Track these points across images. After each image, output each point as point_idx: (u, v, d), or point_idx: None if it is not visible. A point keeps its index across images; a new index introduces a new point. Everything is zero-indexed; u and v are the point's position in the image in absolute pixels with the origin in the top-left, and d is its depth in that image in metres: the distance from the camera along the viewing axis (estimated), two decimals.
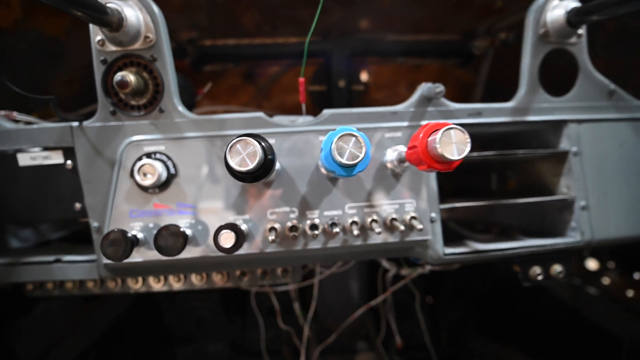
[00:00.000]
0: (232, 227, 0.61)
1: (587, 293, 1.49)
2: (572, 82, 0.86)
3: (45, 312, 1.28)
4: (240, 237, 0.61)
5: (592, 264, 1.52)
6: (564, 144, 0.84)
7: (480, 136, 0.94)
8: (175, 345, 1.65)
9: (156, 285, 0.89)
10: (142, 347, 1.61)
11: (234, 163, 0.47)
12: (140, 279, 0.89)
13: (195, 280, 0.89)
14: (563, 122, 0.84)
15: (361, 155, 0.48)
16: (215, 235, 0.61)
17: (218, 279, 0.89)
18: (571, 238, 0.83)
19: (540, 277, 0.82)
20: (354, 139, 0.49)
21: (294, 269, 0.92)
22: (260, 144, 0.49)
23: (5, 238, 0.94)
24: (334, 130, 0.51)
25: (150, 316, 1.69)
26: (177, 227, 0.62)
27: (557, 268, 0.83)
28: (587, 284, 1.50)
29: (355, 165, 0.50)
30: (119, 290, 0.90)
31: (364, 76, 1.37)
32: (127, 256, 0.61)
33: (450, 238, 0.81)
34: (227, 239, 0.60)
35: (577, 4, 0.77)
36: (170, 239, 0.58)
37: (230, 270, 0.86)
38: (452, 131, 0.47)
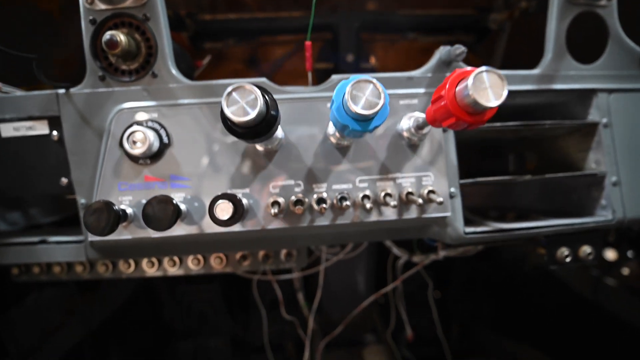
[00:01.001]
0: (230, 197, 0.54)
1: (605, 284, 1.42)
2: (601, 49, 0.79)
3: (38, 303, 1.22)
4: (239, 208, 0.55)
5: (610, 254, 1.44)
6: (593, 115, 0.77)
7: (500, 110, 0.87)
8: (175, 339, 1.59)
9: (150, 270, 0.83)
10: (140, 342, 1.55)
11: (230, 112, 0.41)
12: (132, 263, 0.83)
13: (192, 264, 0.83)
14: (592, 92, 0.77)
15: (380, 103, 0.41)
16: (211, 206, 0.54)
17: (216, 264, 0.83)
18: (602, 217, 0.76)
19: (568, 259, 0.75)
20: (371, 85, 0.42)
21: (298, 252, 0.85)
22: (262, 93, 0.42)
23: None
24: (339, 85, 0.44)
25: (149, 309, 1.63)
26: (168, 196, 0.55)
27: (586, 249, 0.76)
28: (605, 275, 1.42)
29: (372, 116, 0.43)
30: (110, 275, 0.83)
31: (372, 61, 1.30)
32: (112, 230, 0.54)
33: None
34: (224, 210, 0.54)
35: None
36: (159, 207, 0.52)
37: (228, 251, 0.80)
38: (485, 74, 0.40)
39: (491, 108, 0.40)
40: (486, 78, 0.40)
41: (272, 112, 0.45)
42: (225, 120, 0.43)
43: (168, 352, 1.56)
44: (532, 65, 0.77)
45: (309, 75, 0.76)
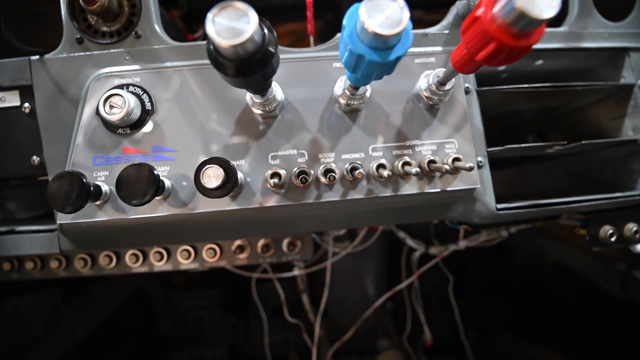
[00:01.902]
0: (220, 161, 0.46)
1: (635, 278, 1.30)
2: (630, 6, 0.72)
3: (17, 312, 1.12)
4: (231, 176, 0.46)
5: (638, 246, 1.34)
6: (627, 78, 0.69)
7: (521, 76, 0.79)
8: (169, 349, 1.46)
9: (134, 265, 0.73)
10: (132, 352, 1.42)
11: (217, 34, 0.32)
12: (114, 257, 0.73)
13: (181, 257, 0.73)
14: (624, 51, 0.69)
15: (403, 20, 0.33)
16: (197, 173, 0.45)
17: (209, 256, 0.73)
18: None
19: (613, 239, 0.65)
20: (393, 3, 0.34)
21: (303, 242, 0.76)
22: (258, 16, 0.34)
23: None
24: (351, 9, 0.36)
25: (142, 317, 1.51)
26: (146, 164, 0.46)
27: (632, 227, 0.66)
28: (633, 268, 1.31)
29: (394, 42, 0.35)
30: (89, 271, 0.73)
31: None
32: (80, 205, 0.45)
33: None
34: (213, 176, 0.45)
35: None
36: (133, 170, 0.43)
37: (222, 239, 0.70)
38: None
39: (544, 20, 0.32)
40: None
41: (270, 48, 0.37)
42: (211, 50, 0.35)
43: None
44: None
45: (311, 39, 0.69)
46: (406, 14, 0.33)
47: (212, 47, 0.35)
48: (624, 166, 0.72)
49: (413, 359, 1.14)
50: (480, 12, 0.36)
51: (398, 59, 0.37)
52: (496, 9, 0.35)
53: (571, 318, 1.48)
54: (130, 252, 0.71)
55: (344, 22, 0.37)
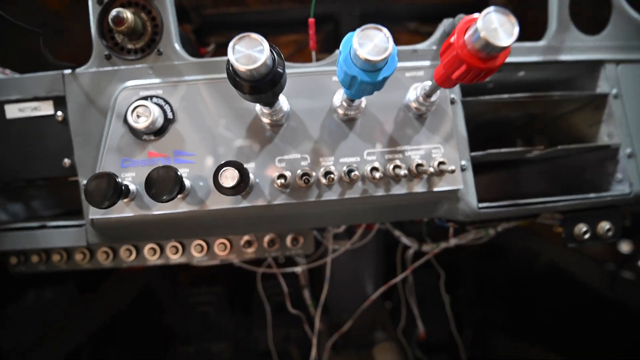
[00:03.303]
0: (236, 164, 0.53)
1: (623, 278, 1.36)
2: (605, 21, 0.78)
3: (37, 302, 1.19)
4: (245, 176, 0.53)
5: (625, 246, 1.39)
6: (602, 87, 0.76)
7: (506, 86, 0.86)
8: (176, 344, 1.53)
9: (151, 257, 0.80)
10: (140, 346, 1.49)
11: (236, 60, 0.40)
12: (133, 251, 0.80)
13: (195, 251, 0.80)
14: (600, 63, 0.76)
15: (389, 48, 0.40)
16: (215, 174, 0.52)
17: (220, 250, 0.80)
18: (618, 191, 0.73)
19: (586, 236, 0.72)
20: (378, 32, 0.41)
21: (305, 237, 0.83)
22: (269, 45, 0.41)
23: None
24: (346, 37, 0.43)
25: (150, 312, 1.58)
26: (171, 166, 0.53)
27: (604, 225, 0.73)
28: (622, 269, 1.36)
29: (381, 65, 0.42)
30: (110, 263, 0.81)
31: None
32: (113, 202, 0.52)
33: None
34: (229, 177, 0.52)
35: None
36: (163, 171, 0.50)
37: (233, 233, 0.77)
38: (492, 14, 0.39)
39: (503, 48, 0.39)
40: (495, 18, 0.39)
41: (279, 69, 0.45)
42: (231, 73, 0.42)
43: (169, 356, 1.50)
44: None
45: (313, 54, 0.76)
46: (391, 42, 0.41)
47: (231, 69, 0.43)
48: (600, 169, 0.79)
49: (407, 351, 1.20)
50: (453, 39, 0.43)
51: (385, 79, 0.44)
52: (466, 37, 0.42)
53: (563, 317, 1.53)
54: (148, 246, 0.79)
55: (340, 48, 0.44)
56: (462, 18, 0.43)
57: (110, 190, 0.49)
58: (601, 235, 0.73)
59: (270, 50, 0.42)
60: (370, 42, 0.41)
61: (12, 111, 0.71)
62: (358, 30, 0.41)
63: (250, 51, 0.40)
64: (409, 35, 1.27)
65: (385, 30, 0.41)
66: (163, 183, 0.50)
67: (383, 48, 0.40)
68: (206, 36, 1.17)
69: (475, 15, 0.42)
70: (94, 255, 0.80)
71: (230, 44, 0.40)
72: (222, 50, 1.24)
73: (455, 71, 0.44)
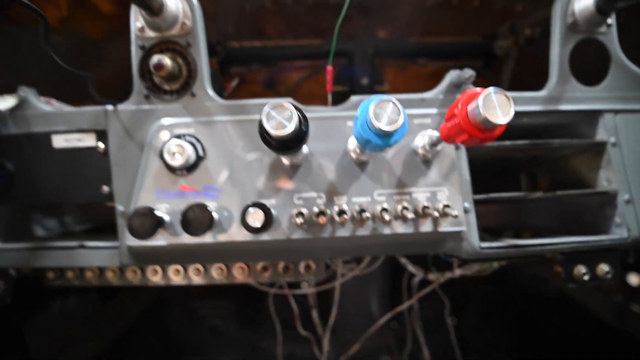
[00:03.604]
0: (261, 205, 0.59)
1: (631, 311, 1.36)
2: (605, 73, 0.84)
3: (62, 311, 1.26)
4: (269, 216, 0.60)
5: (634, 279, 1.40)
6: (600, 135, 0.81)
7: (509, 131, 0.92)
8: (185, 355, 1.58)
9: (175, 277, 0.87)
10: (150, 356, 1.55)
11: (270, 127, 0.47)
12: (159, 271, 0.87)
13: (215, 274, 0.87)
14: (598, 113, 0.81)
15: (400, 120, 0.47)
16: (243, 214, 0.59)
17: (238, 274, 0.87)
18: (617, 235, 0.77)
19: (586, 277, 0.75)
20: (391, 105, 0.48)
21: (317, 265, 0.88)
22: (297, 109, 0.48)
23: (31, 225, 0.95)
24: (362, 104, 0.50)
25: (161, 324, 1.64)
26: (205, 205, 0.60)
27: (604, 268, 0.76)
28: (630, 301, 1.37)
29: (393, 132, 0.48)
30: (138, 282, 0.88)
31: (385, 84, 1.38)
32: (152, 234, 0.60)
33: None
34: (256, 218, 0.58)
35: None
36: (199, 212, 0.57)
37: (252, 260, 0.84)
38: (493, 95, 0.45)
39: (500, 125, 0.45)
40: (495, 98, 0.45)
41: (304, 128, 0.51)
42: (263, 133, 0.49)
43: None
44: (538, 88, 0.82)
45: (329, 96, 0.83)
46: (402, 115, 0.47)
47: (263, 131, 0.49)
48: (600, 212, 0.82)
49: None
50: (456, 110, 0.49)
51: (396, 141, 0.50)
52: (469, 109, 0.48)
53: (570, 346, 1.53)
54: (173, 267, 0.86)
55: (357, 114, 0.51)
56: (465, 92, 0.49)
57: (152, 227, 0.56)
58: (600, 276, 0.77)
59: (298, 114, 0.49)
60: (384, 112, 0.47)
61: (59, 141, 0.80)
62: (373, 101, 0.48)
63: (281, 117, 0.47)
64: (418, 67, 1.34)
65: (396, 102, 0.48)
66: (199, 223, 0.57)
67: (395, 120, 0.47)
68: (229, 66, 1.26)
69: (478, 89, 0.48)
70: (123, 273, 0.87)
71: (266, 108, 0.47)
72: (239, 85, 1.33)
73: (458, 137, 0.50)
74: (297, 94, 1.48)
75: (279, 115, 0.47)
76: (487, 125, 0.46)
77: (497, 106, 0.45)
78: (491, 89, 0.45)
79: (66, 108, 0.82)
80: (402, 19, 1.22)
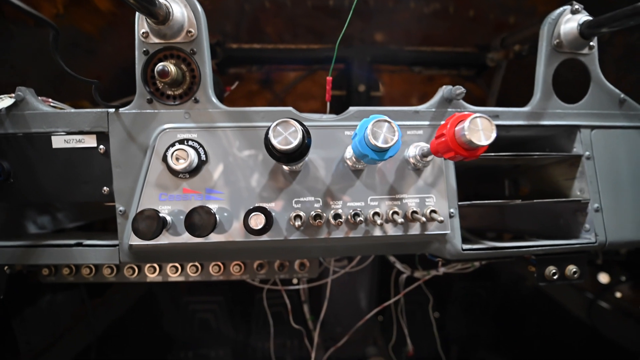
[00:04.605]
0: (262, 210, 0.63)
1: (600, 307, 1.48)
2: (584, 91, 0.90)
3: (51, 304, 1.27)
4: (269, 220, 0.63)
5: (603, 278, 1.51)
6: (577, 149, 0.88)
7: (495, 141, 0.98)
8: (176, 349, 1.61)
9: (173, 275, 0.90)
10: (140, 350, 1.57)
11: (276, 142, 0.50)
12: (157, 268, 0.90)
13: (212, 271, 0.90)
14: (576, 128, 0.87)
15: (395, 139, 0.51)
16: (245, 217, 0.63)
17: (235, 271, 0.90)
18: (585, 239, 0.84)
19: (555, 277, 0.83)
20: (387, 124, 0.52)
21: (311, 263, 0.93)
22: (300, 125, 0.52)
23: (24, 222, 0.96)
24: (361, 122, 0.54)
25: (151, 318, 1.66)
26: (210, 208, 0.64)
27: (571, 268, 0.84)
28: (599, 298, 1.48)
29: (388, 149, 0.52)
30: (135, 278, 0.90)
31: (380, 90, 1.43)
32: (158, 235, 0.62)
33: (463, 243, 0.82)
34: (257, 221, 0.62)
35: (589, 17, 0.82)
36: (205, 215, 0.60)
37: (251, 259, 0.87)
38: (478, 119, 0.50)
39: (482, 146, 0.50)
40: (479, 122, 0.50)
41: (307, 142, 0.55)
42: (268, 147, 0.53)
43: None
44: (525, 97, 0.88)
45: (328, 105, 0.87)
46: (397, 134, 0.51)
47: (269, 143, 0.53)
48: (573, 218, 0.90)
49: None
50: (445, 131, 0.54)
51: (390, 157, 0.55)
52: (456, 130, 0.53)
53: (544, 338, 1.65)
54: (171, 264, 0.88)
55: (356, 131, 0.55)
56: (454, 114, 0.53)
57: (158, 229, 0.59)
58: (568, 276, 0.84)
59: (302, 130, 0.52)
60: (380, 131, 0.52)
61: (58, 142, 0.80)
62: (371, 120, 0.52)
63: (286, 133, 0.51)
64: (409, 76, 1.39)
65: (392, 122, 0.52)
66: (204, 226, 0.60)
67: (390, 138, 0.51)
68: (227, 67, 1.27)
69: (466, 113, 0.53)
70: (120, 271, 0.90)
71: (271, 127, 0.50)
72: (234, 92, 1.34)
73: (446, 154, 0.55)
74: (292, 93, 1.51)
75: (285, 131, 0.51)
76: (471, 146, 0.51)
77: (481, 130, 0.50)
78: (477, 114, 0.50)
79: (66, 109, 0.83)
80: (399, 25, 1.26)
